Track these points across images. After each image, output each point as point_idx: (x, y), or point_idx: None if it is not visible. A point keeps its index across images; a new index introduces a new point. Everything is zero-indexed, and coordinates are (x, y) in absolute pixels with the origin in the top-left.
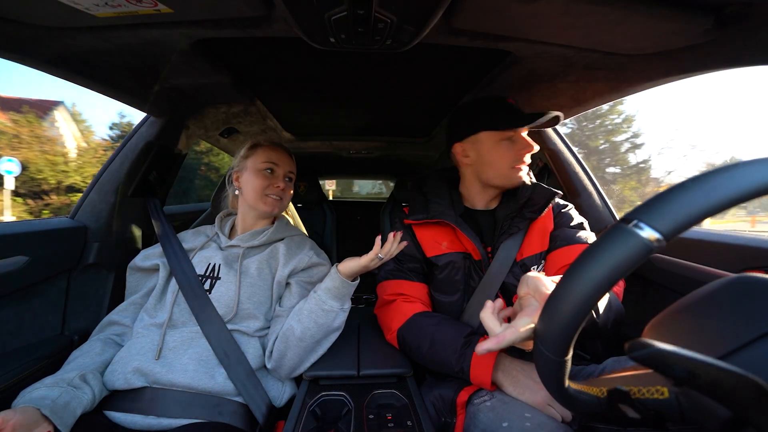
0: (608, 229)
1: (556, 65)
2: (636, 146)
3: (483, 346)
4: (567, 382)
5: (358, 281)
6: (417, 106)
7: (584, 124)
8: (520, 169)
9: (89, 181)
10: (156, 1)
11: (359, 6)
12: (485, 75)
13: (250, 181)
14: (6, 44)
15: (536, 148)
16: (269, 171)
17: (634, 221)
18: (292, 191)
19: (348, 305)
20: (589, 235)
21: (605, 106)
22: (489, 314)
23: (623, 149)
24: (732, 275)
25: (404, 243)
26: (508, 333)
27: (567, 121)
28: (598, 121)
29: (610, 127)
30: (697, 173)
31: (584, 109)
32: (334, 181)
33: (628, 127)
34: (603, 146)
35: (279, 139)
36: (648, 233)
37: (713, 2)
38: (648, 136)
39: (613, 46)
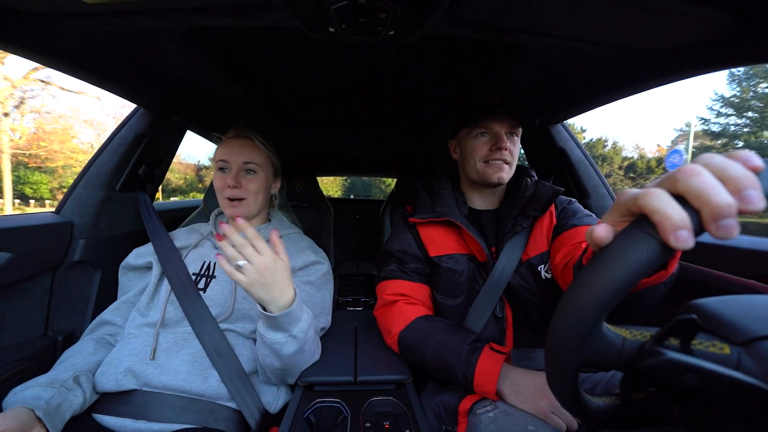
0: None
1: (567, 60)
2: None
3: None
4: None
5: (287, 310)
6: (420, 101)
7: None
8: (495, 166)
9: None
10: None
11: None
12: (491, 70)
13: (215, 184)
14: None
15: (509, 145)
16: (222, 171)
17: None
18: (257, 184)
19: (297, 331)
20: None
21: None
22: None
23: None
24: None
25: None
26: None
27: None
28: None
29: None
30: None
31: (595, 106)
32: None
33: None
34: None
35: (276, 136)
36: None
37: None
38: None
39: (626, 41)
